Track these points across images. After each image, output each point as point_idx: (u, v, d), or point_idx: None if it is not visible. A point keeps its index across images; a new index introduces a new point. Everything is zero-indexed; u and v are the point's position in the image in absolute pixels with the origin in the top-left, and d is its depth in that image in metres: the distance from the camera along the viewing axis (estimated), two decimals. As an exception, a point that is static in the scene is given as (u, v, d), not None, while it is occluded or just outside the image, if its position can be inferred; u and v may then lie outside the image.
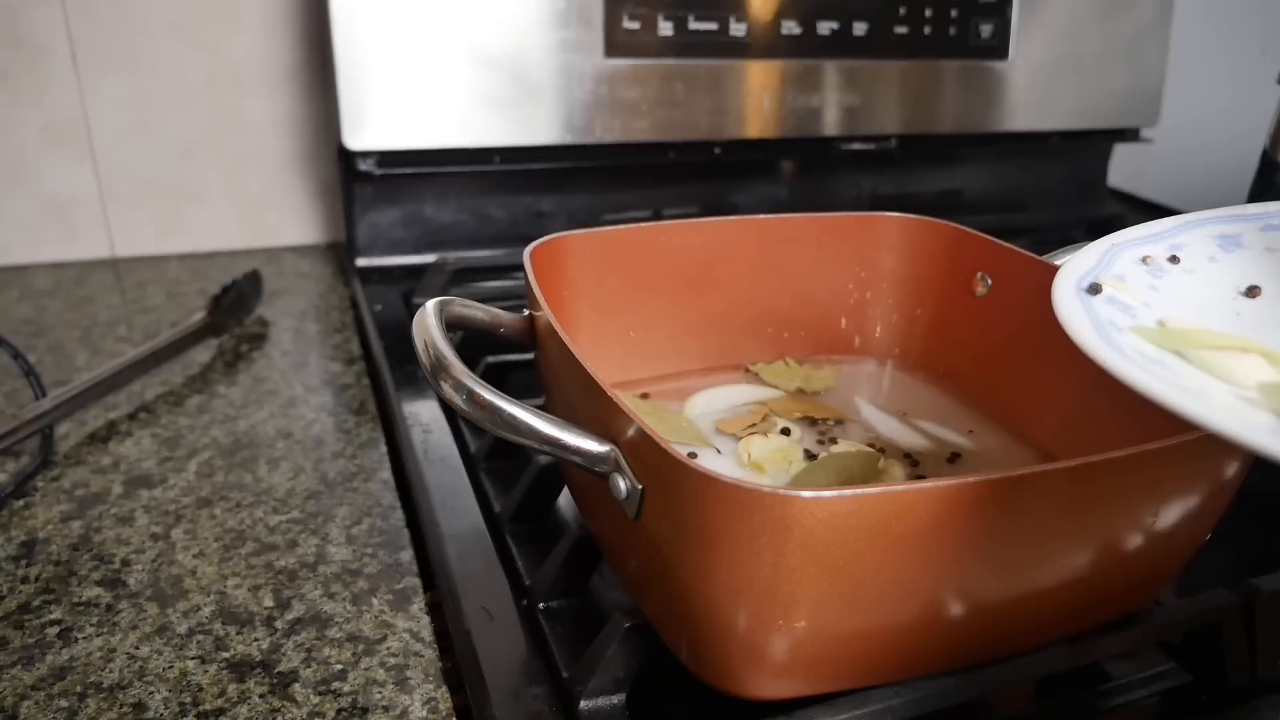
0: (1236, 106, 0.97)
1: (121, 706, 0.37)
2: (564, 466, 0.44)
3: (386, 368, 0.64)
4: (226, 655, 0.40)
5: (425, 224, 0.85)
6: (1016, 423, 0.51)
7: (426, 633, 0.42)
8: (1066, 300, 0.31)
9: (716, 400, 0.53)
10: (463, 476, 0.51)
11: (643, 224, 0.53)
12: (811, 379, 0.56)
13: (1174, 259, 0.36)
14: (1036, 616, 0.35)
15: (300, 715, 0.37)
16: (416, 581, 0.45)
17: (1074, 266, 0.34)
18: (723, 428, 0.50)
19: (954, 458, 0.48)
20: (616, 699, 0.36)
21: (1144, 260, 0.36)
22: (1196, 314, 0.33)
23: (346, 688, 0.39)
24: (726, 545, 0.29)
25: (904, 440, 0.50)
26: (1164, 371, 0.27)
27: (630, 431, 0.32)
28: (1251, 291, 0.35)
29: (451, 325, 0.40)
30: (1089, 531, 0.33)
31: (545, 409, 0.37)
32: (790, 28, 0.84)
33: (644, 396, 0.54)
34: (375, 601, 0.44)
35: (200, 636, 0.41)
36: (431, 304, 0.40)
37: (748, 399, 0.53)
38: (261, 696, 0.38)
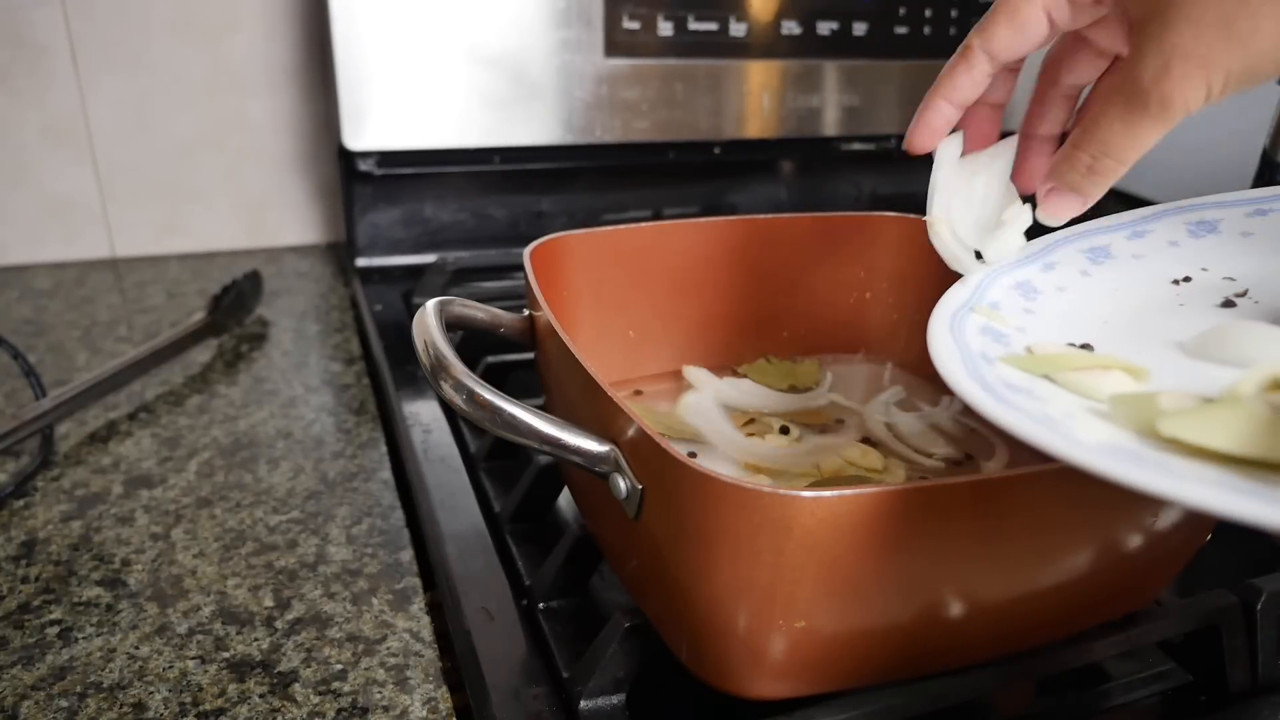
0: (1236, 106, 0.97)
1: (121, 706, 0.37)
2: (564, 466, 0.44)
3: (386, 368, 0.64)
4: (226, 655, 0.40)
5: (425, 224, 0.85)
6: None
7: (426, 633, 0.42)
8: (939, 339, 0.32)
9: (707, 402, 0.53)
10: (463, 476, 0.51)
11: (643, 224, 0.54)
12: (798, 374, 0.56)
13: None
14: (1036, 616, 0.35)
15: (300, 715, 0.37)
16: (416, 581, 0.45)
17: (948, 301, 0.35)
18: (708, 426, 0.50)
19: (954, 458, 0.48)
20: (616, 699, 0.36)
21: (1018, 285, 0.37)
22: (1069, 332, 0.34)
23: (346, 688, 0.39)
24: (726, 545, 0.29)
25: (904, 440, 0.50)
26: (1028, 401, 0.28)
27: (630, 431, 0.32)
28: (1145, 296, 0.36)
29: (451, 325, 0.40)
30: (1089, 531, 0.33)
31: (545, 409, 0.37)
32: (790, 28, 0.84)
33: (637, 393, 0.54)
34: (375, 601, 0.44)
35: (200, 636, 0.41)
36: (431, 304, 0.40)
37: (740, 397, 0.53)
38: (261, 696, 0.38)
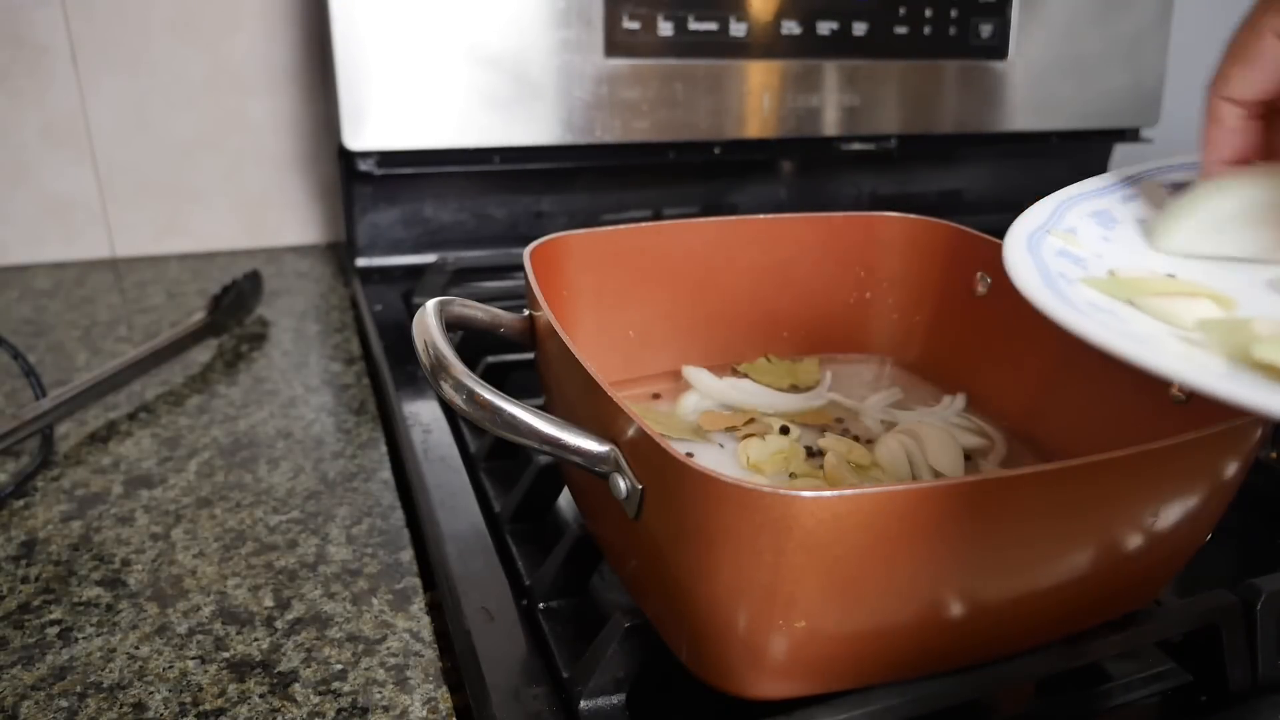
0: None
1: (121, 706, 0.37)
2: (564, 466, 0.44)
3: (386, 368, 0.64)
4: (226, 655, 0.40)
5: (425, 224, 0.85)
6: (1017, 422, 0.51)
7: (426, 633, 0.42)
8: (1016, 255, 0.31)
9: (707, 402, 0.53)
10: (463, 476, 0.51)
11: (643, 224, 0.54)
12: (799, 373, 0.56)
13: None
14: (1036, 616, 0.35)
15: (300, 715, 0.37)
16: (416, 581, 0.45)
17: (1025, 222, 0.34)
18: (706, 424, 0.50)
19: (954, 458, 0.48)
20: (616, 699, 0.36)
21: (1096, 213, 0.36)
22: (1150, 261, 0.33)
23: (346, 688, 0.39)
24: (726, 545, 0.29)
25: (904, 440, 0.50)
26: (1113, 320, 0.27)
27: (630, 431, 0.32)
28: None
29: (451, 325, 0.40)
30: (1089, 531, 0.33)
31: (545, 409, 0.37)
32: (790, 28, 0.84)
33: (655, 396, 0.54)
34: (375, 601, 0.44)
35: (200, 636, 0.41)
36: (431, 304, 0.40)
37: (739, 397, 0.53)
38: (261, 696, 0.38)
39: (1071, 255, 0.32)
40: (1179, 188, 0.38)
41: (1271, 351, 0.24)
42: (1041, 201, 0.36)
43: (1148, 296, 0.29)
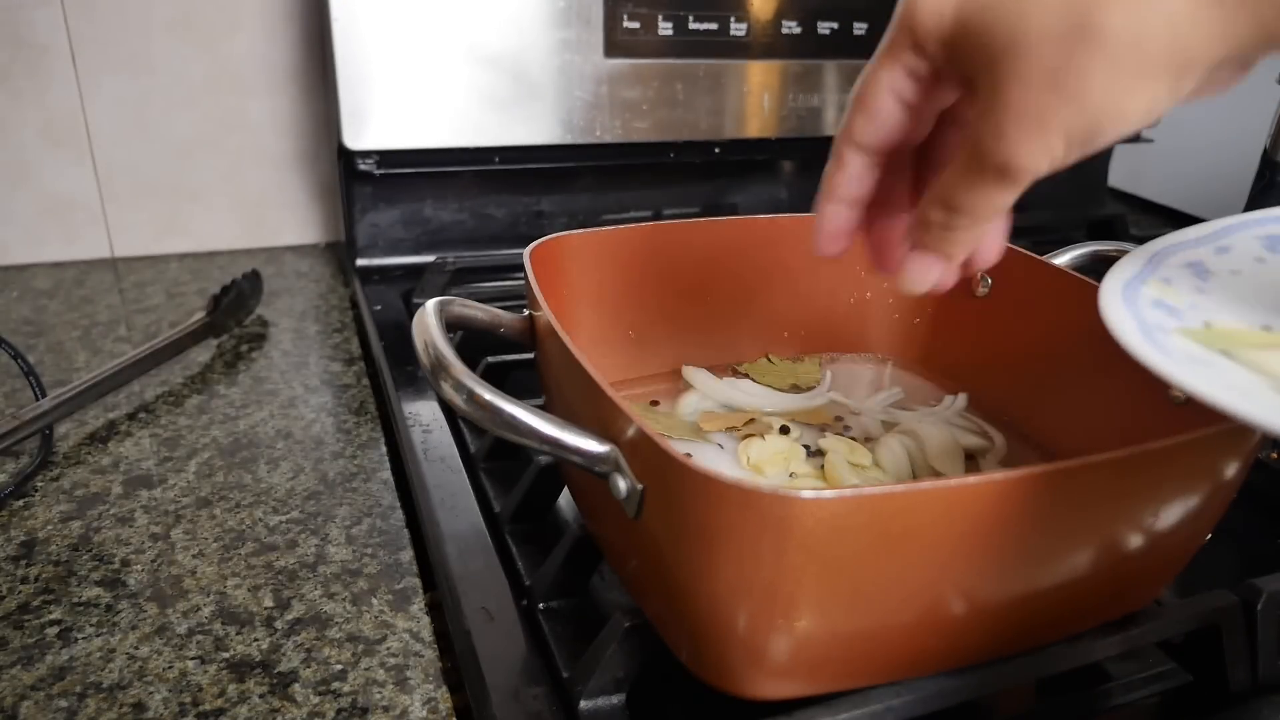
0: (1236, 106, 0.97)
1: (121, 706, 0.37)
2: (564, 466, 0.44)
3: (386, 368, 0.64)
4: (226, 655, 0.40)
5: (425, 224, 0.85)
6: (1017, 422, 0.51)
7: (426, 633, 0.42)
8: (1113, 306, 0.31)
9: (707, 402, 0.53)
10: (463, 476, 0.51)
11: (643, 224, 0.54)
12: (799, 373, 0.56)
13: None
14: (1037, 616, 0.35)
15: (300, 715, 0.37)
16: (416, 581, 0.45)
17: (1119, 272, 0.34)
18: (706, 424, 0.50)
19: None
20: (616, 699, 0.36)
21: (1189, 264, 0.36)
22: (1244, 314, 0.33)
23: (346, 688, 0.39)
24: (726, 545, 0.29)
25: (904, 440, 0.50)
26: (1210, 372, 0.27)
27: (630, 431, 0.32)
28: None
29: (451, 325, 0.40)
30: (1089, 531, 0.33)
31: (545, 409, 0.37)
32: (790, 28, 0.84)
33: (654, 403, 0.54)
34: (375, 601, 0.44)
35: (200, 636, 0.41)
36: (431, 304, 0.40)
37: (739, 397, 0.53)
38: (261, 696, 0.38)
39: (1167, 306, 0.32)
40: (1275, 241, 0.38)
41: None
42: (1135, 252, 0.36)
43: (1244, 348, 0.30)
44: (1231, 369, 0.29)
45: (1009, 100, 0.28)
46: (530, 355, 0.45)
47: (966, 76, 0.31)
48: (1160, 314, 0.32)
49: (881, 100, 0.33)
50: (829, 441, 0.48)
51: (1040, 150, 0.29)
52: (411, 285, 0.79)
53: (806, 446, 0.48)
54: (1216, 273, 0.36)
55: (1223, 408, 0.25)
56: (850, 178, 0.36)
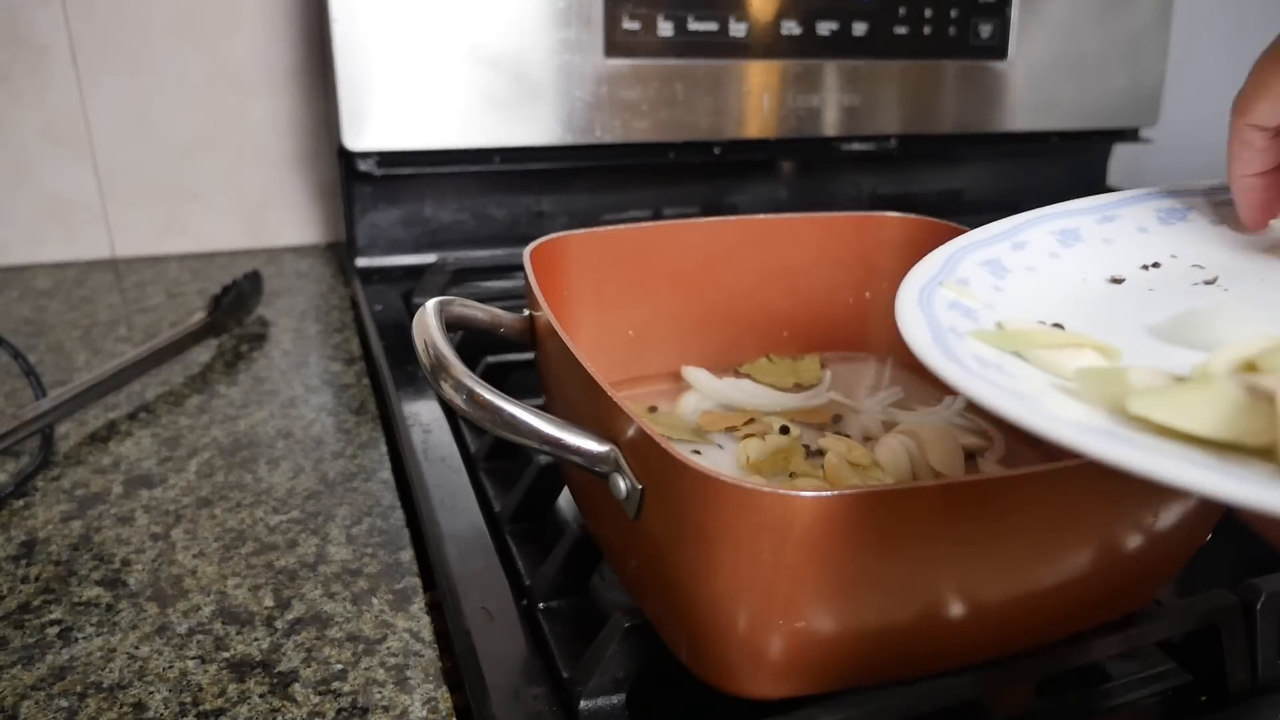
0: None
1: (121, 706, 0.37)
2: (564, 466, 0.44)
3: (386, 368, 0.64)
4: (226, 655, 0.40)
5: (425, 224, 0.85)
6: (1016, 423, 0.51)
7: (426, 633, 0.42)
8: (906, 310, 0.31)
9: (707, 402, 0.53)
10: (463, 476, 0.51)
11: (643, 224, 0.54)
12: (800, 372, 0.56)
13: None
14: (1036, 616, 0.35)
15: (300, 715, 0.37)
16: (416, 581, 0.45)
17: (917, 274, 0.35)
18: (706, 424, 0.50)
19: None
20: (616, 699, 0.36)
21: (987, 262, 0.36)
22: (1039, 311, 0.33)
23: (346, 688, 0.39)
24: (726, 545, 0.29)
25: (904, 440, 0.50)
26: (999, 375, 0.27)
27: (630, 431, 0.32)
28: (1116, 280, 0.37)
29: (451, 325, 0.40)
30: (1089, 531, 0.33)
31: (545, 409, 0.37)
32: (790, 28, 0.84)
33: (652, 409, 0.54)
34: (375, 601, 0.44)
35: (200, 636, 0.41)
36: (431, 304, 0.40)
37: (739, 397, 0.53)
38: (261, 696, 0.38)
39: (963, 307, 0.33)
40: (1068, 235, 0.39)
41: (1144, 406, 0.25)
42: (934, 252, 0.37)
43: (1034, 349, 0.30)
44: (1021, 370, 0.29)
45: None
46: (530, 355, 0.45)
47: None
48: (955, 315, 0.32)
49: None
50: (829, 441, 0.48)
51: None
52: (411, 285, 0.79)
53: (806, 446, 0.48)
54: (1012, 270, 0.36)
55: (1005, 415, 0.25)
56: (1256, 152, 0.38)
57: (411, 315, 0.61)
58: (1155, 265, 0.38)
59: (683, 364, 0.55)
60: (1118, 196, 0.42)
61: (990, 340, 0.30)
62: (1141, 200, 0.42)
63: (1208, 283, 0.36)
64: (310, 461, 0.55)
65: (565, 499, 0.49)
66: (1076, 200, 0.42)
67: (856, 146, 0.92)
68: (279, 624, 0.42)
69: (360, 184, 0.82)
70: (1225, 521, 0.37)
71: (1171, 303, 0.34)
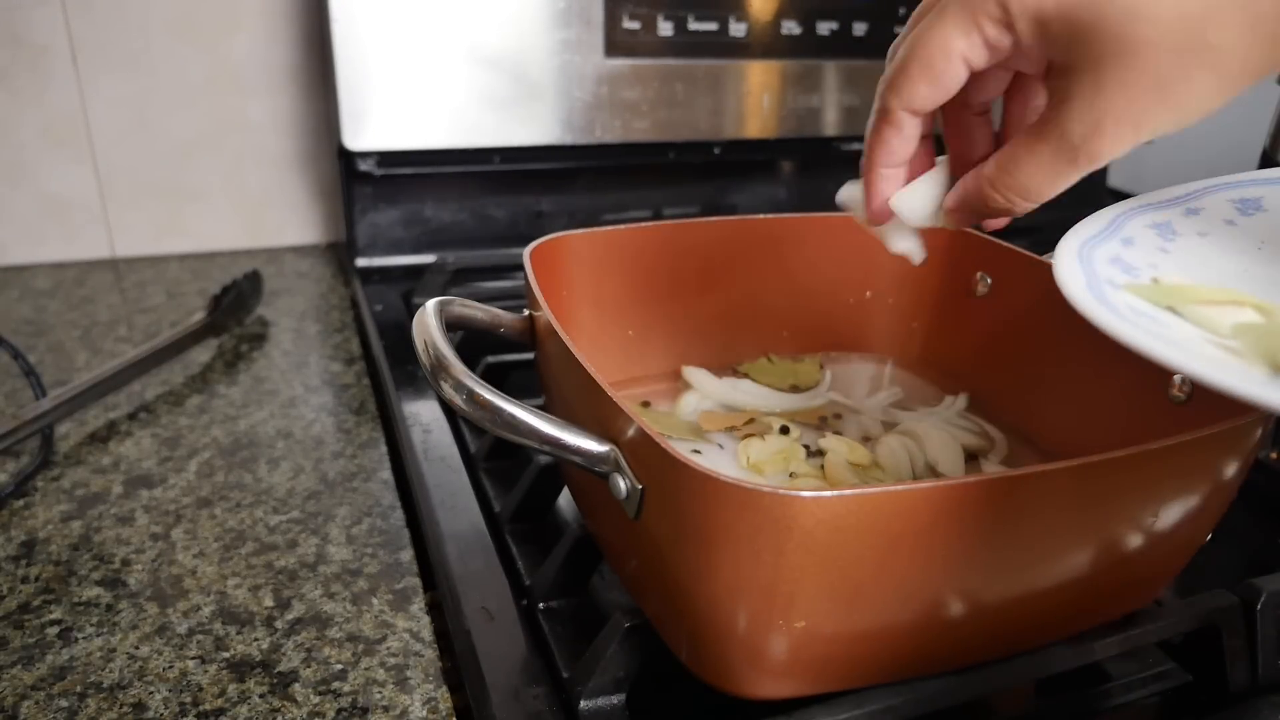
0: (1236, 106, 0.97)
1: (121, 706, 0.37)
2: (564, 466, 0.44)
3: (386, 368, 0.64)
4: (226, 655, 0.40)
5: (425, 224, 0.85)
6: (1016, 422, 0.51)
7: (426, 633, 0.42)
8: (1065, 261, 0.31)
9: (707, 402, 0.53)
10: (463, 476, 0.51)
11: (643, 224, 0.53)
12: (800, 373, 0.56)
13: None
14: (1036, 616, 0.35)
15: (300, 715, 0.37)
16: (416, 581, 0.45)
17: (1081, 230, 0.34)
18: (706, 424, 0.50)
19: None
20: (616, 699, 0.36)
21: (1156, 225, 0.35)
22: (1203, 275, 0.32)
23: (346, 688, 0.39)
24: (726, 545, 0.29)
25: (904, 440, 0.50)
26: (1152, 324, 0.27)
27: (630, 431, 0.32)
28: None
29: (451, 325, 0.40)
30: (1089, 531, 0.33)
31: (545, 409, 0.37)
32: (790, 28, 0.84)
33: (645, 404, 0.54)
34: (375, 601, 0.44)
35: (200, 636, 0.41)
36: (431, 304, 0.40)
37: (739, 397, 0.53)
38: (261, 696, 0.38)
39: (1124, 263, 0.32)
40: (1248, 203, 0.37)
41: None
42: (1102, 210, 0.36)
43: (1190, 304, 0.29)
44: (1175, 323, 0.28)
45: (1111, 102, 0.29)
46: (530, 355, 0.45)
47: (1059, 64, 0.31)
48: (1114, 270, 0.31)
49: (953, 67, 0.33)
50: (829, 441, 0.48)
51: (1128, 144, 0.30)
52: (411, 285, 0.79)
53: (806, 446, 0.48)
54: (1183, 234, 0.35)
55: (1155, 357, 0.24)
56: (904, 141, 0.35)
57: (411, 315, 0.61)
58: None
59: (683, 364, 0.56)
60: None
61: (1145, 294, 0.30)
62: None
63: None
64: (310, 461, 0.55)
65: (565, 499, 0.49)
66: (1265, 170, 0.40)
67: (856, 146, 0.92)
68: (279, 624, 0.42)
69: (360, 184, 0.82)
70: (1225, 521, 0.37)
71: None
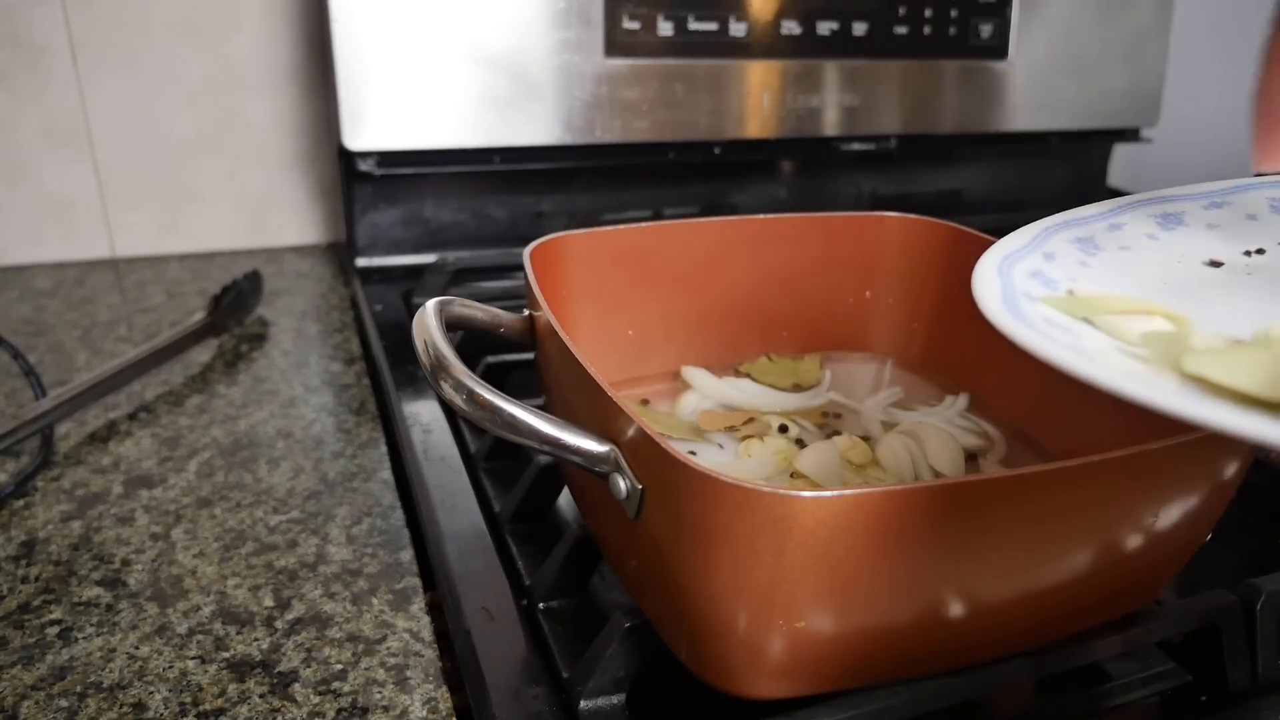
0: (1236, 106, 0.97)
1: (121, 706, 0.37)
2: (564, 466, 0.44)
3: (386, 368, 0.64)
4: (226, 655, 0.40)
5: (425, 224, 0.85)
6: (1017, 422, 0.51)
7: (426, 633, 0.42)
8: (983, 274, 0.31)
9: (707, 402, 0.53)
10: (463, 476, 0.51)
11: (643, 224, 0.53)
12: (800, 372, 0.56)
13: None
14: (1036, 616, 0.35)
15: (300, 715, 0.37)
16: (416, 581, 0.45)
17: (1003, 245, 0.34)
18: (705, 424, 0.50)
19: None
20: (616, 699, 0.36)
21: (1078, 239, 0.36)
22: (1123, 287, 0.33)
23: (346, 688, 0.39)
24: (726, 545, 0.29)
25: (904, 440, 0.50)
26: (1065, 336, 0.27)
27: (630, 431, 0.32)
28: (1214, 263, 0.35)
29: (451, 325, 0.40)
30: (1089, 531, 0.33)
31: (545, 409, 0.37)
32: (790, 28, 0.84)
33: (644, 402, 0.54)
34: (375, 601, 0.44)
35: (200, 636, 0.41)
36: (431, 304, 0.40)
37: (739, 397, 0.53)
38: (261, 696, 0.38)
39: (1043, 277, 0.32)
40: (1170, 219, 0.38)
41: (1199, 364, 0.24)
42: (1027, 226, 0.36)
43: (1103, 314, 0.30)
44: (1088, 334, 0.28)
45: None
46: (530, 355, 0.45)
47: None
48: (1034, 284, 0.31)
49: None
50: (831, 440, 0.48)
51: None
52: (411, 285, 0.79)
53: (805, 445, 0.48)
54: (1105, 248, 0.35)
55: (1064, 367, 0.24)
56: None
57: (411, 315, 0.61)
58: (1260, 251, 0.36)
59: (683, 364, 0.56)
60: (1230, 183, 0.41)
61: (1060, 305, 0.30)
62: (1255, 188, 0.40)
63: None
64: (310, 461, 0.55)
65: (565, 499, 0.49)
66: (1186, 186, 0.40)
67: (856, 146, 0.92)
68: (279, 624, 0.42)
69: (360, 184, 0.82)
70: (1225, 521, 0.37)
71: (1271, 288, 0.33)
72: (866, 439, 0.50)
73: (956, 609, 0.32)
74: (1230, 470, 0.35)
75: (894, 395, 0.55)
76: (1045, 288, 0.31)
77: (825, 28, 0.85)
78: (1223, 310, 0.31)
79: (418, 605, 0.44)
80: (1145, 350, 0.27)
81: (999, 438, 0.50)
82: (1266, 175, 0.41)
